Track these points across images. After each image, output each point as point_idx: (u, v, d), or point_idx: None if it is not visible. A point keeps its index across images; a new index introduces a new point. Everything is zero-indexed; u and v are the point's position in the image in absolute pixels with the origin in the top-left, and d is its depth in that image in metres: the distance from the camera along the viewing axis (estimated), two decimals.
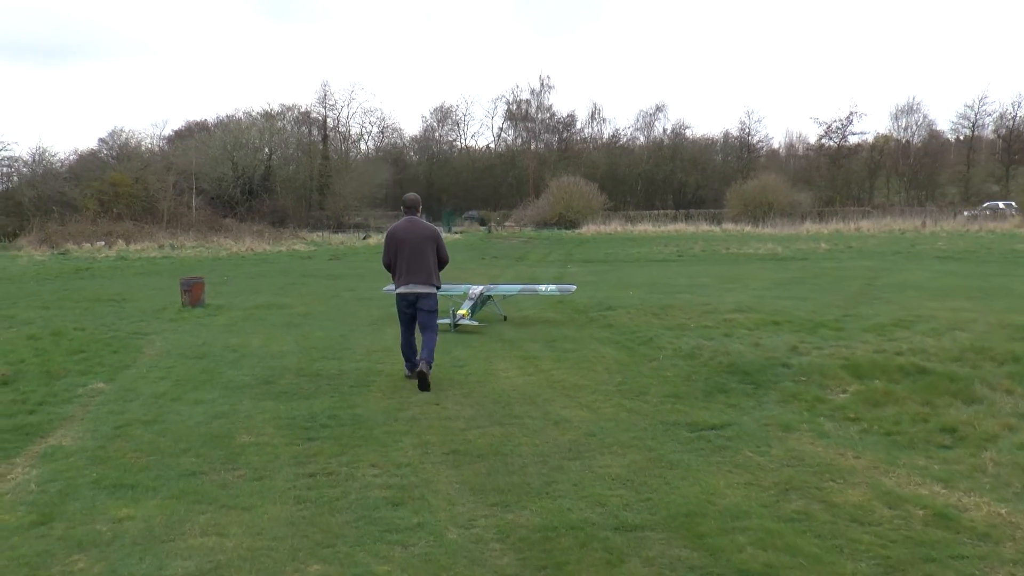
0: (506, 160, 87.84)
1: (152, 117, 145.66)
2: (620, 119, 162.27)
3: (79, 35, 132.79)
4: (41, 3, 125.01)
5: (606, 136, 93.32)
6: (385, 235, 9.76)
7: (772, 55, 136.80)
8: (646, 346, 11.35)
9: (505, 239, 49.47)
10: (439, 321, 10.72)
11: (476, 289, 14.75)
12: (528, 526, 4.95)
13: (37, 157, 55.90)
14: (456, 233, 55.24)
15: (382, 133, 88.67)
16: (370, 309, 16.14)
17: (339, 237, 51.01)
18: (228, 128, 67.48)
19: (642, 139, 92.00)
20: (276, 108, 75.47)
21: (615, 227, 56.90)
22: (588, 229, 56.00)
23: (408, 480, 5.81)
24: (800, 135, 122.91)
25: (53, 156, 58.32)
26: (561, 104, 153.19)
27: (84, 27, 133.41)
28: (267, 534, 4.87)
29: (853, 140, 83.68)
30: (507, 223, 65.27)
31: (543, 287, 15.74)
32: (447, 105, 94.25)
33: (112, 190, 50.99)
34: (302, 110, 76.74)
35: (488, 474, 5.94)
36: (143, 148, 64.90)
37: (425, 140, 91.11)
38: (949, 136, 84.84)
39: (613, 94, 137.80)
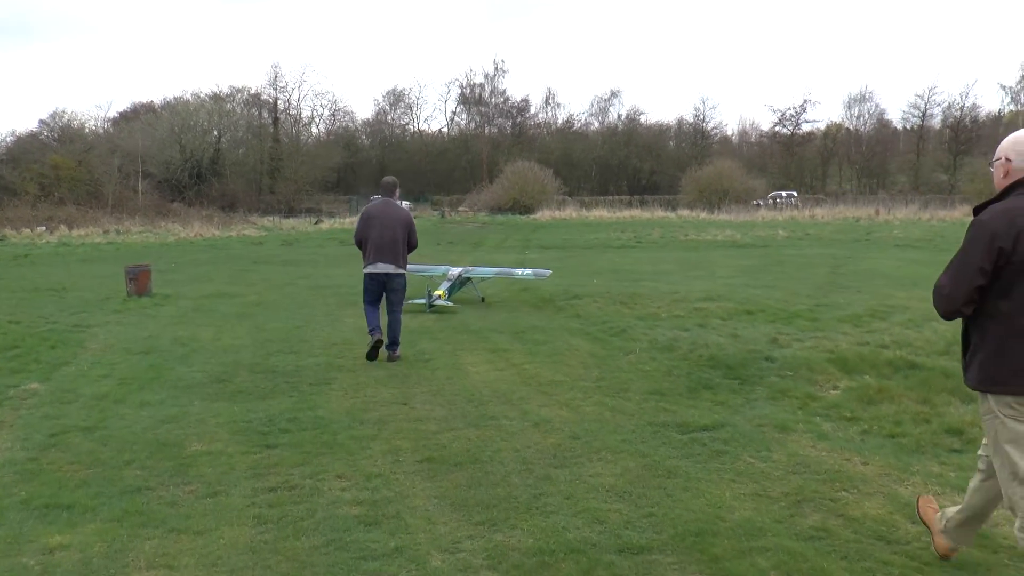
0: (459, 144, 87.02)
1: (96, 98, 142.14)
2: (574, 104, 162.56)
3: (16, 13, 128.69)
4: None
5: (560, 121, 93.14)
6: (360, 214, 10.06)
7: (726, 42, 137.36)
8: (619, 337, 10.87)
9: (459, 224, 48.83)
10: (415, 301, 12.33)
11: (455, 271, 14.92)
12: (521, 549, 4.39)
13: None
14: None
15: (333, 116, 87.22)
16: (326, 298, 15.46)
17: (291, 222, 50.07)
18: (176, 110, 65.95)
19: (596, 124, 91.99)
20: (225, 90, 74.03)
21: (570, 212, 56.56)
22: (543, 215, 55.56)
23: (381, 494, 5.22)
24: (753, 122, 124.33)
25: None
26: (515, 88, 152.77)
27: (22, 4, 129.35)
28: (224, 564, 4.24)
29: (807, 128, 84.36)
30: (461, 208, 64.57)
31: (519, 271, 15.91)
32: (400, 88, 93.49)
33: (53, 173, 49.34)
34: (252, 92, 75.35)
35: (469, 486, 5.37)
36: (87, 130, 63.17)
37: (377, 124, 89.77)
38: (897, 126, 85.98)
39: (567, 79, 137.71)
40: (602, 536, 4.54)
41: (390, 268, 9.63)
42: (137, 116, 68.66)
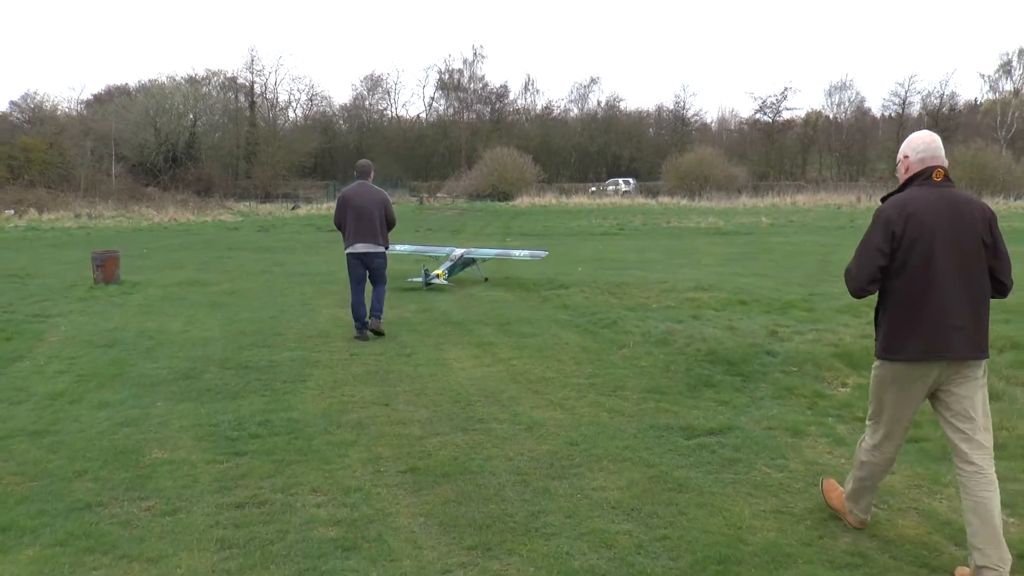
0: (438, 130, 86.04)
1: (69, 80, 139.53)
2: (554, 91, 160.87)
3: None
4: None
5: (539, 107, 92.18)
6: (338, 197, 10.34)
7: (707, 30, 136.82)
8: (611, 330, 10.36)
9: (438, 211, 48.20)
10: (412, 280, 14.54)
11: (457, 252, 15.84)
12: None
13: None
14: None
15: (311, 101, 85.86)
16: (302, 286, 14.85)
17: (267, 207, 49.17)
18: (151, 93, 64.57)
19: (576, 111, 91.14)
20: (201, 73, 72.93)
21: (550, 199, 56.07)
22: (522, 201, 55.05)
23: (360, 512, 4.66)
24: (732, 110, 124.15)
25: None
26: (494, 74, 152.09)
27: None
28: None
29: (787, 115, 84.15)
30: (439, 194, 63.90)
31: (516, 252, 16.96)
32: (377, 73, 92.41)
33: (23, 155, 48.21)
34: (228, 75, 74.04)
35: (458, 501, 4.83)
36: (59, 112, 61.87)
37: (355, 109, 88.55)
38: (876, 114, 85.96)
39: (547, 65, 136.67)
40: (612, 564, 4.02)
41: (371, 247, 9.96)
42: (111, 99, 67.21)
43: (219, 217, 41.13)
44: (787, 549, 4.17)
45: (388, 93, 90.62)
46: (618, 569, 3.97)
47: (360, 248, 9.93)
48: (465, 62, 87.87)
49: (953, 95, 77.47)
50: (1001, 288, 4.07)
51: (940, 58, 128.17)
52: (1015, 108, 70.92)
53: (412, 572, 3.95)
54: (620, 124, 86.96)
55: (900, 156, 4.27)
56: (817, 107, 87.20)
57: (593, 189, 63.41)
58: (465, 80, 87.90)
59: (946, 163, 4.13)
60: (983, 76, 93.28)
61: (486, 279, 15.51)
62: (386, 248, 10.19)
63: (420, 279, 14.31)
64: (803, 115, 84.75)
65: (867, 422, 4.35)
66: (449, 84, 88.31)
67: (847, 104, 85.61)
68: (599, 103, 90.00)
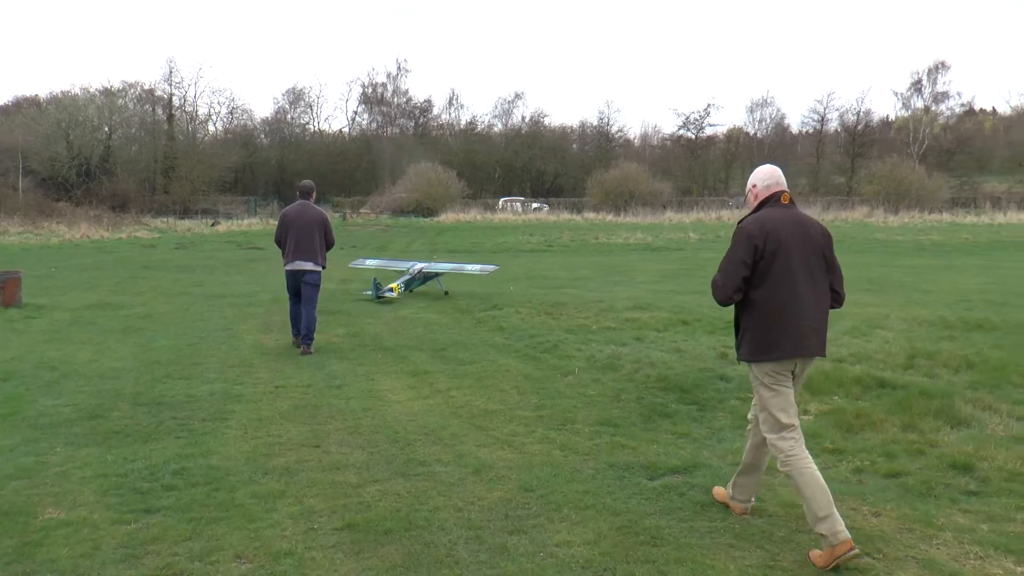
0: (361, 145, 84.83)
1: None
2: (478, 106, 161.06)
3: None
4: None
5: (464, 123, 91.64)
6: (279, 216, 10.67)
7: (630, 46, 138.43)
8: (552, 355, 9.86)
9: (362, 226, 47.33)
10: (365, 293, 15.35)
11: (417, 266, 16.35)
12: None
13: None
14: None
15: (231, 114, 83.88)
16: (223, 309, 14.02)
17: (186, 223, 47.74)
18: (63, 104, 62.26)
19: (500, 126, 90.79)
20: (117, 84, 70.55)
21: (475, 215, 55.78)
22: (447, 217, 54.66)
23: None
24: (656, 126, 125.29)
25: None
26: (418, 89, 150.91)
27: None
28: None
29: (709, 131, 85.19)
30: (363, 210, 62.95)
31: (469, 266, 17.25)
32: (300, 87, 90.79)
33: None
34: (146, 88, 71.90)
35: (405, 566, 4.22)
36: None
37: (276, 123, 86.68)
38: (795, 130, 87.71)
39: (471, 80, 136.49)
40: None
41: (307, 265, 10.26)
42: (19, 110, 64.71)
43: (135, 234, 39.66)
44: None
45: (311, 107, 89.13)
46: None
47: (296, 265, 10.25)
48: (389, 76, 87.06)
49: (869, 112, 79.29)
50: (837, 298, 4.64)
51: (856, 75, 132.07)
52: (926, 125, 73.13)
53: None
54: (544, 139, 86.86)
55: (749, 186, 4.76)
56: (739, 123, 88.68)
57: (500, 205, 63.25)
58: (389, 94, 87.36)
59: (787, 189, 4.66)
60: (896, 93, 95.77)
61: (447, 292, 15.76)
62: (323, 267, 10.43)
63: (370, 292, 14.79)
64: (725, 131, 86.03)
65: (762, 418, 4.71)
66: (372, 98, 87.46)
67: (768, 121, 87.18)
68: (523, 118, 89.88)
